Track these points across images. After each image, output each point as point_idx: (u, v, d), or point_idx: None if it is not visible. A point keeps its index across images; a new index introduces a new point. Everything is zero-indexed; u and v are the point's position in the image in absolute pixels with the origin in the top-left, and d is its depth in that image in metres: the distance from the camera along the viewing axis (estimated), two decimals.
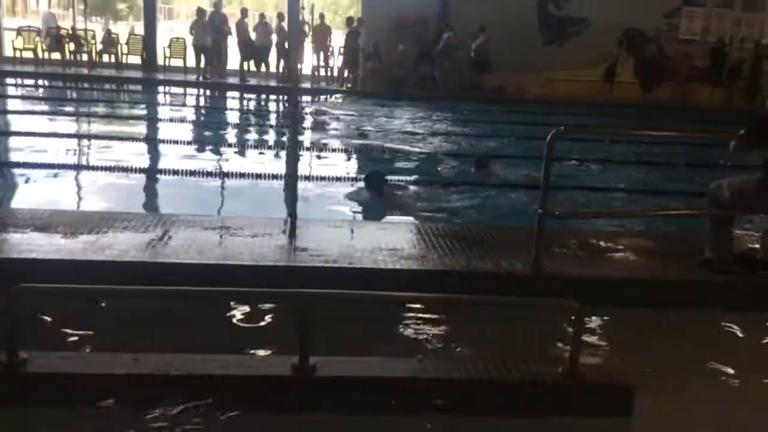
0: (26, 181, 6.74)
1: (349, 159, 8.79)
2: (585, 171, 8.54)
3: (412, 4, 17.47)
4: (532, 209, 4.34)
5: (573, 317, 2.93)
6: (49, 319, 3.61)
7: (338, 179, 7.29)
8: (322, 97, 15.64)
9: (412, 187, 7.07)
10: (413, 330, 3.80)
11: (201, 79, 16.46)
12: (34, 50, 17.23)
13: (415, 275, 4.15)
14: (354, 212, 6.23)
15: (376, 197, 6.49)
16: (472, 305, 3.74)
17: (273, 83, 16.83)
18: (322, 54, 18.07)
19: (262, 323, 3.79)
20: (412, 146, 9.78)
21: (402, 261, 4.30)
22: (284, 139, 9.27)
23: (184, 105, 13.62)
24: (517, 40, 16.92)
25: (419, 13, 17.34)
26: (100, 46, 17.65)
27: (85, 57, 17.38)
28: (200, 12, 16.95)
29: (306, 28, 17.53)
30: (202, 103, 13.97)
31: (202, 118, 11.20)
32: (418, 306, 3.95)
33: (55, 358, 2.98)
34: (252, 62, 17.32)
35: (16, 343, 2.81)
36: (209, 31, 16.56)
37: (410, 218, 6.08)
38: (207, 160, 8.35)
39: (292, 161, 4.82)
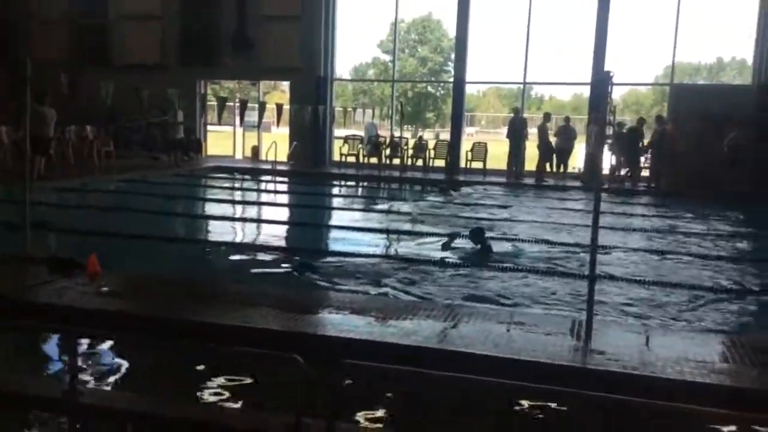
0: (341, 269, 7.53)
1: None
2: None
3: (724, 100, 16.36)
4: None
5: None
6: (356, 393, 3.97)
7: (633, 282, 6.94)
8: (620, 198, 15.20)
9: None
10: None
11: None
12: (357, 155, 19.66)
13: (728, 392, 3.77)
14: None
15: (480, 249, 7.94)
16: None
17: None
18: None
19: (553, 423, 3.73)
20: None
21: (712, 375, 3.94)
22: (580, 240, 9.16)
23: (476, 204, 14.13)
24: None
25: (731, 110, 16.03)
26: (411, 152, 19.46)
27: (397, 161, 19.27)
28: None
29: (609, 130, 17.27)
30: (497, 201, 14.45)
31: (491, 215, 11.65)
32: (729, 426, 3.56)
33: None
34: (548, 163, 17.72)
35: (337, 416, 3.14)
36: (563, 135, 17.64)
37: (719, 331, 5.52)
38: (501, 254, 8.49)
39: (591, 264, 4.75)
